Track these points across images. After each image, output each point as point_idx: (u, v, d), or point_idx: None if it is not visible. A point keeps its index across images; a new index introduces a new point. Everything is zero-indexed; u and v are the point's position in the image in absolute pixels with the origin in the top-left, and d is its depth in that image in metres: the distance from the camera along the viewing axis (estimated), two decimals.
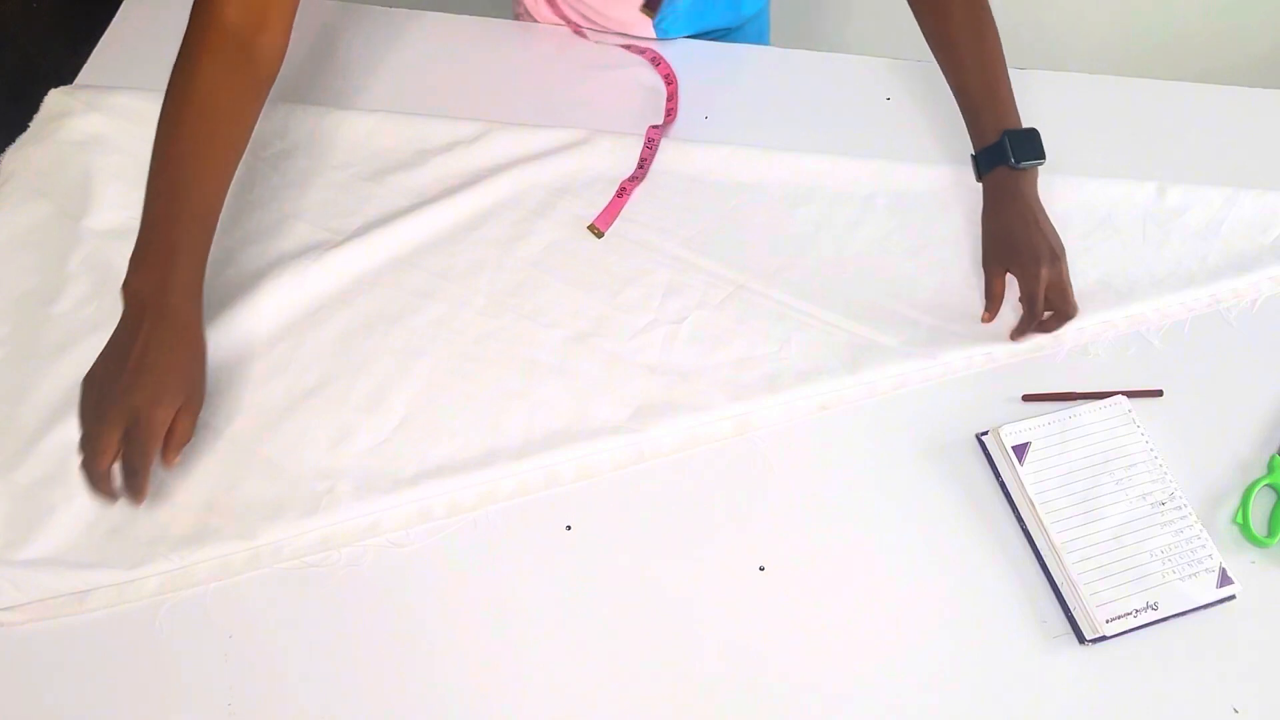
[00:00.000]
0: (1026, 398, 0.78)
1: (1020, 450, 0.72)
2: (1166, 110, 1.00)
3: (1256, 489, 0.72)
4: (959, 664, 0.65)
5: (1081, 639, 0.66)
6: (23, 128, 0.89)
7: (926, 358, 0.79)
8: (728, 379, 0.77)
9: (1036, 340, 0.81)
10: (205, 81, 0.70)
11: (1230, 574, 0.67)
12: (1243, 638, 0.67)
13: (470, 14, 1.02)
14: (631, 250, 0.85)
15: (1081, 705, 0.64)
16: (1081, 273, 0.83)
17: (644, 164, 0.90)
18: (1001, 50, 0.83)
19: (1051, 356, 0.81)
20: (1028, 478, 0.71)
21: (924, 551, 0.70)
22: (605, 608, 0.67)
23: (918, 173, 0.92)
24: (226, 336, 0.77)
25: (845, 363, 0.79)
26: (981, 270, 0.83)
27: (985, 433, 0.75)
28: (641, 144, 0.91)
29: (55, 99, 0.90)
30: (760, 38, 1.13)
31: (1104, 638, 0.65)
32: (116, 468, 0.64)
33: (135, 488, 0.64)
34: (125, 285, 0.67)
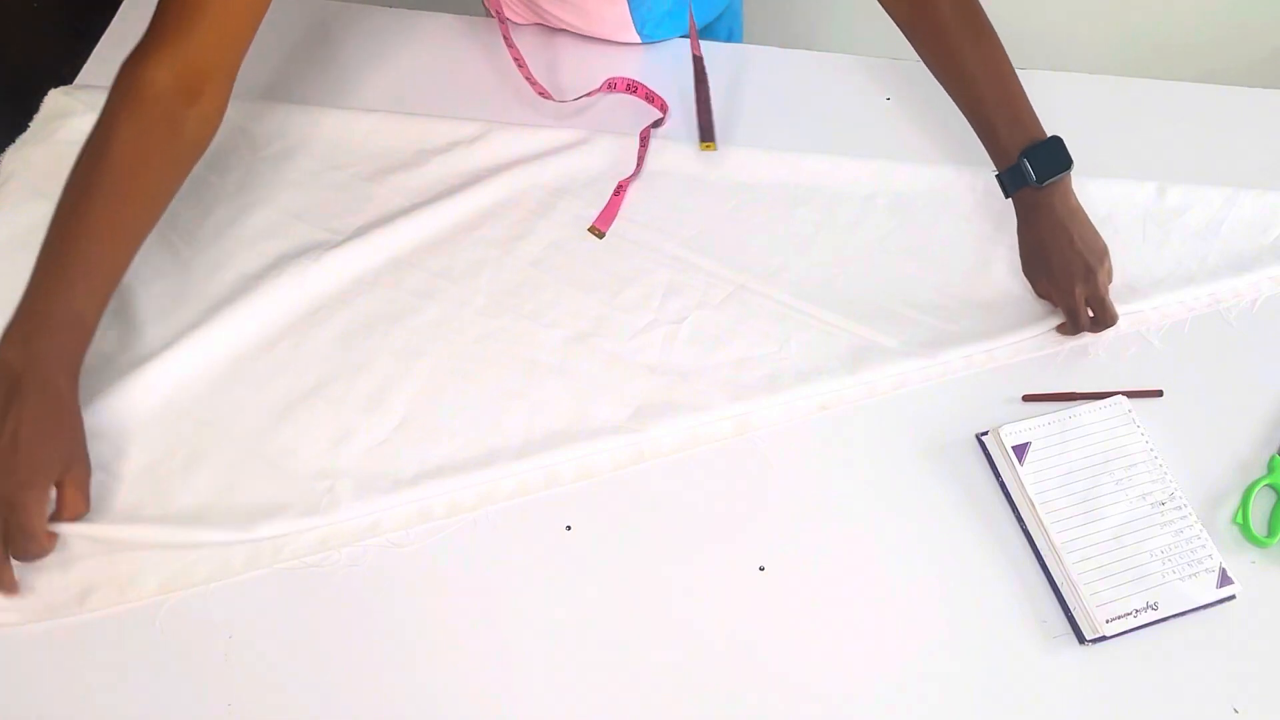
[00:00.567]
0: (1026, 398, 0.78)
1: (1020, 450, 0.72)
2: (1166, 110, 1.00)
3: (1256, 489, 0.72)
4: (959, 664, 0.65)
5: (1081, 639, 0.66)
6: (23, 128, 0.89)
7: (926, 357, 0.79)
8: (728, 379, 0.77)
9: (1036, 339, 0.81)
10: (122, 148, 0.66)
11: (1230, 574, 0.67)
12: (1243, 638, 0.67)
13: (470, 14, 1.02)
14: (631, 250, 0.85)
15: (1081, 705, 0.64)
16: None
17: (640, 163, 0.90)
18: (1009, 62, 0.80)
19: (1052, 356, 0.81)
20: (1028, 478, 0.71)
21: (924, 551, 0.70)
22: (605, 608, 0.67)
23: (918, 173, 0.92)
24: (226, 337, 0.77)
25: (845, 363, 0.79)
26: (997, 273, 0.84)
27: (985, 433, 0.75)
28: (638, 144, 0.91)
29: (55, 99, 0.90)
30: (731, 35, 1.12)
31: (1104, 638, 0.65)
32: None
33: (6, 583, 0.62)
34: None
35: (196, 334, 0.76)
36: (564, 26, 0.99)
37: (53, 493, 0.64)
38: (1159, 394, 0.78)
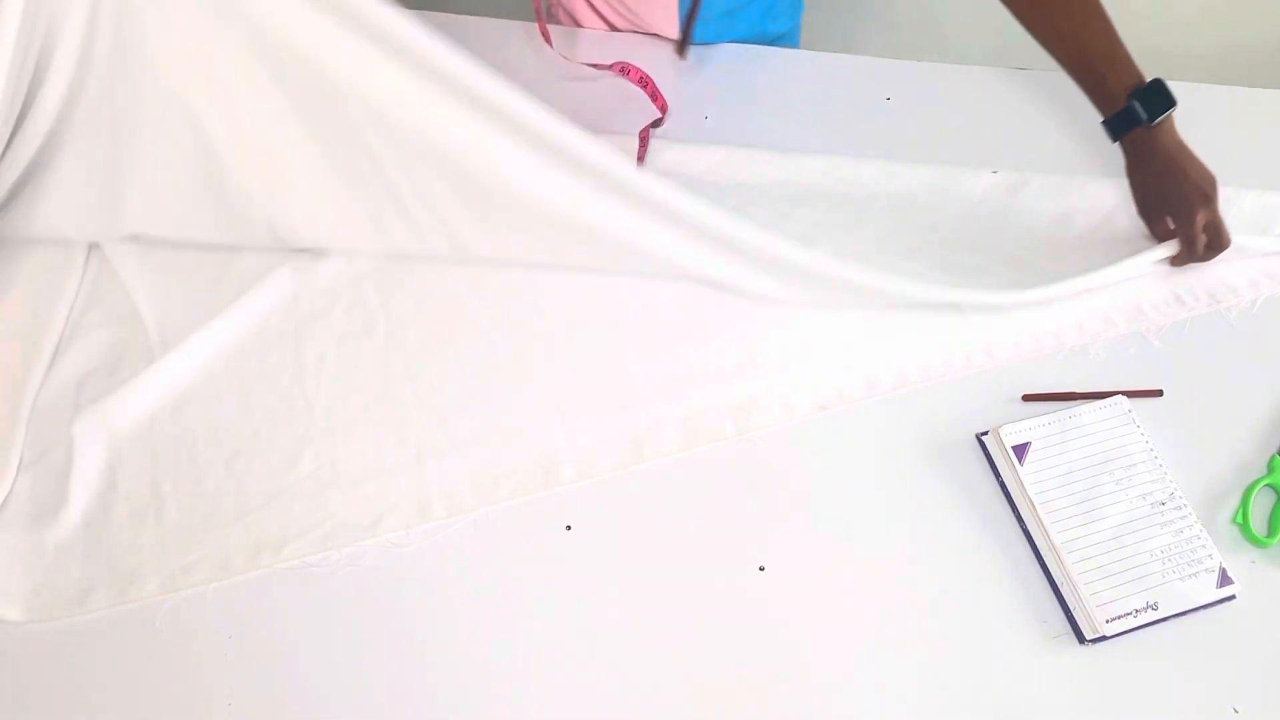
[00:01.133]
0: (1026, 398, 0.78)
1: (1020, 450, 0.72)
2: None
3: (1256, 489, 0.72)
4: (959, 664, 0.65)
5: (1081, 639, 0.66)
6: None
7: (927, 354, 0.79)
8: (726, 375, 0.78)
9: (1036, 339, 0.81)
10: None
11: (1230, 574, 0.67)
12: (1243, 638, 0.67)
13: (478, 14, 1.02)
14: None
15: (1081, 705, 0.64)
16: (1083, 272, 0.83)
17: (640, 162, 0.90)
18: (1105, 12, 0.82)
19: (1052, 356, 0.81)
20: (1028, 478, 0.71)
21: (924, 551, 0.70)
22: (605, 608, 0.67)
23: (917, 173, 0.92)
24: (227, 336, 0.77)
25: (845, 360, 0.79)
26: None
27: (985, 433, 0.75)
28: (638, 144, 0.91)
29: None
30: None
31: (1104, 638, 0.65)
32: None
33: None
34: None
35: (197, 336, 0.76)
36: (619, 23, 1.01)
37: None
38: (1159, 394, 0.78)
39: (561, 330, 0.80)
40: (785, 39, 1.10)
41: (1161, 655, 0.66)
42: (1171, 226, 0.83)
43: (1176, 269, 0.84)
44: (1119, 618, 0.65)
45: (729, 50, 1.02)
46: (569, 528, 0.70)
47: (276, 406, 0.74)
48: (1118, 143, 0.83)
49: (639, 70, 0.94)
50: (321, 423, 0.74)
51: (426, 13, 1.00)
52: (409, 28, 0.67)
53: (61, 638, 0.64)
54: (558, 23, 1.06)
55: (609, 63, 0.94)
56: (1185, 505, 0.70)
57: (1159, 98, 0.81)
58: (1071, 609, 0.67)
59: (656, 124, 0.93)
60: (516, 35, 1.01)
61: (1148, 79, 0.81)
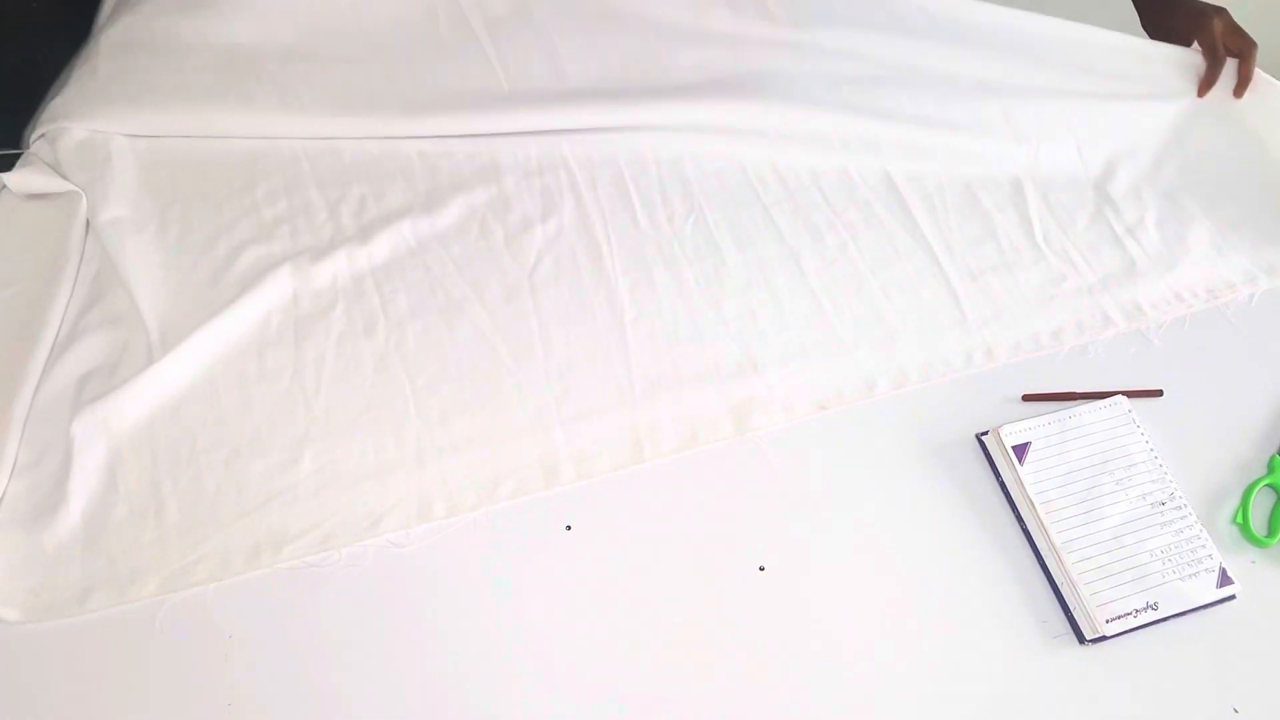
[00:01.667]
0: (1026, 398, 0.78)
1: (1020, 450, 0.72)
2: None
3: (1256, 489, 0.72)
4: (959, 664, 0.65)
5: (1081, 639, 0.66)
6: (23, 126, 0.89)
7: (927, 355, 0.79)
8: (726, 375, 0.78)
9: (1035, 339, 0.81)
10: None
11: (1230, 574, 0.67)
12: (1243, 638, 0.67)
13: None
14: (631, 245, 0.86)
15: (1081, 705, 0.64)
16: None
17: None
18: None
19: (1051, 356, 0.81)
20: (1028, 478, 0.71)
21: (924, 551, 0.70)
22: (605, 608, 0.67)
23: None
24: (227, 336, 0.78)
25: (845, 361, 0.79)
26: None
27: (985, 433, 0.75)
28: None
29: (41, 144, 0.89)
30: None
31: (1104, 638, 0.65)
32: None
33: None
34: None
35: (197, 336, 0.76)
36: None
37: None
38: (1159, 394, 0.78)
39: (561, 330, 0.80)
40: None
41: (1161, 655, 0.66)
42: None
43: (1170, 268, 0.85)
44: (1119, 618, 0.65)
45: None
46: (569, 528, 0.70)
47: (276, 406, 0.74)
48: None
49: None
50: (321, 423, 0.74)
51: None
52: None
53: (61, 637, 0.64)
54: None
55: None
56: (1185, 505, 0.70)
57: None
58: (1071, 609, 0.67)
59: None
60: None
61: None
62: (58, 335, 0.77)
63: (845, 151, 0.93)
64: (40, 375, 0.74)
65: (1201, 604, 0.66)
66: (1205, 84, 0.84)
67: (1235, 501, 0.73)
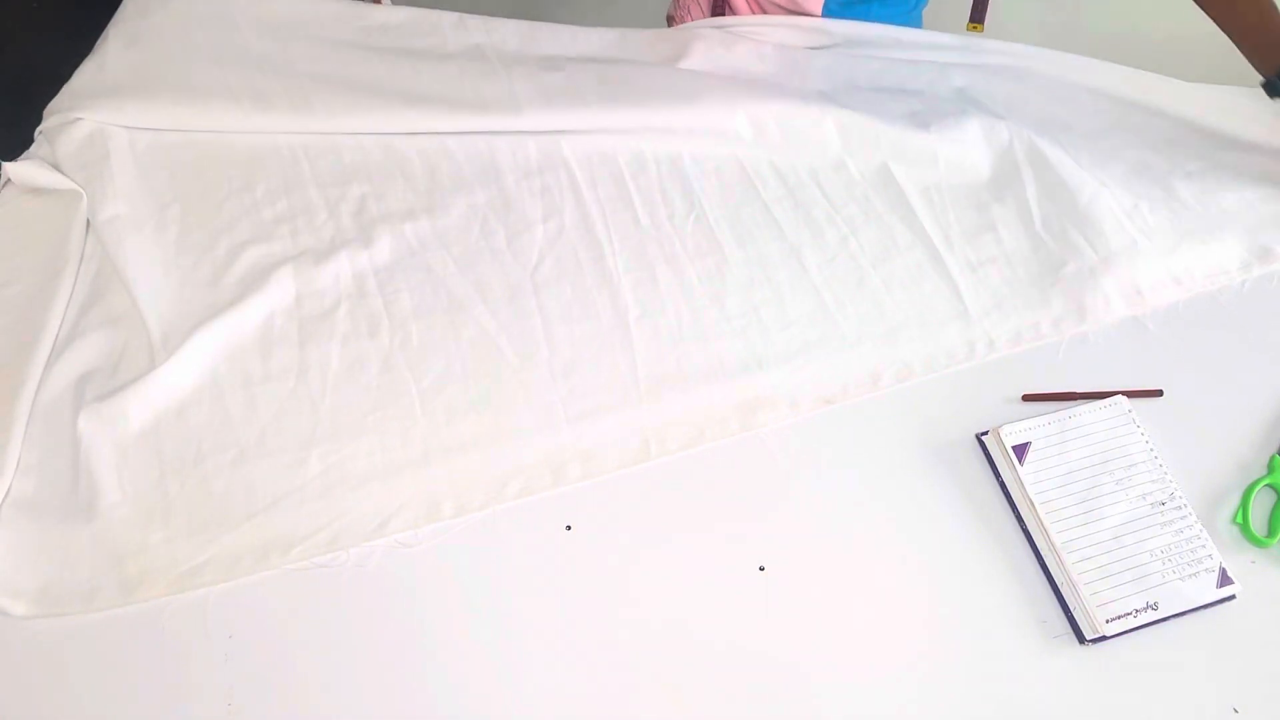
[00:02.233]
0: (1026, 398, 0.78)
1: (1020, 450, 0.72)
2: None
3: (1256, 489, 0.72)
4: (959, 664, 0.65)
5: (1081, 639, 0.66)
6: (23, 126, 0.89)
7: (930, 347, 0.79)
8: (731, 371, 0.78)
9: (1036, 329, 0.82)
10: None
11: (1230, 574, 0.67)
12: (1243, 638, 0.67)
13: None
14: (630, 245, 0.86)
15: (1081, 705, 0.64)
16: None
17: None
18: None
19: (1052, 355, 0.81)
20: (1028, 478, 0.71)
21: (924, 551, 0.70)
22: (605, 607, 0.67)
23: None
24: (230, 337, 0.78)
25: (849, 354, 0.79)
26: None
27: (985, 433, 0.75)
28: None
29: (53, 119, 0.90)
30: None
31: (1104, 638, 0.65)
32: None
33: None
34: None
35: (200, 338, 0.76)
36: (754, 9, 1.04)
37: None
38: (1159, 394, 0.78)
39: (565, 329, 0.80)
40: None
41: (1161, 655, 0.66)
42: None
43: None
44: (1119, 618, 0.65)
45: None
46: (569, 528, 0.70)
47: (282, 408, 0.74)
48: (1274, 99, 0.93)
49: None
50: (327, 423, 0.74)
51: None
52: None
53: (63, 635, 0.64)
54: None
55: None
56: (1185, 505, 0.70)
57: None
58: (1071, 609, 0.67)
59: None
60: None
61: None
62: (58, 335, 0.77)
63: (844, 148, 0.93)
64: (41, 375, 0.74)
65: (1201, 604, 0.67)
66: None
67: (1235, 501, 0.73)
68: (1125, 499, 0.71)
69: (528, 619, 0.66)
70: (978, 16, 0.95)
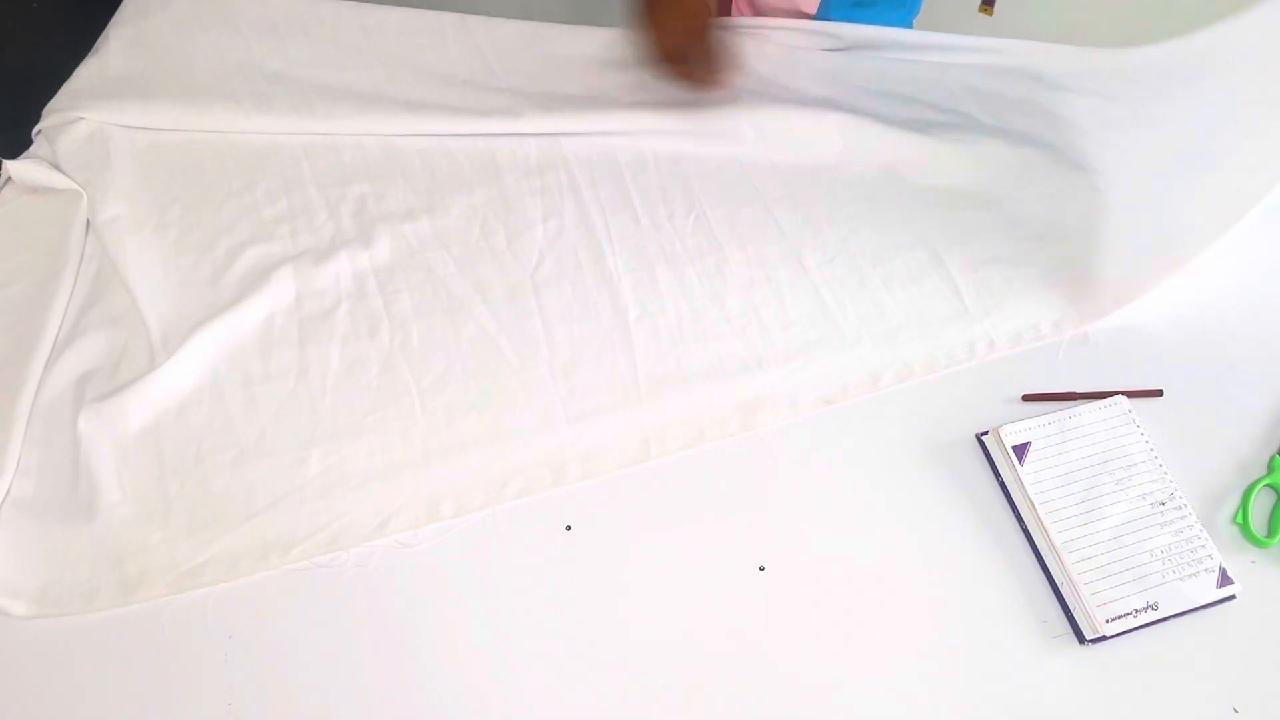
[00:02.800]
0: (1026, 398, 0.78)
1: (1020, 450, 0.72)
2: None
3: (1256, 489, 0.72)
4: (958, 664, 0.65)
5: (1081, 639, 0.66)
6: (23, 126, 0.89)
7: (930, 346, 0.79)
8: (730, 371, 0.78)
9: (1037, 330, 0.82)
10: None
11: (1230, 574, 0.67)
12: (1243, 638, 0.67)
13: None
14: (628, 244, 0.87)
15: (1081, 705, 0.64)
16: None
17: None
18: None
19: (1052, 354, 0.81)
20: (1028, 478, 0.71)
21: (924, 551, 0.70)
22: (605, 608, 0.67)
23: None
24: (230, 337, 0.78)
25: (849, 354, 0.79)
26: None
27: (985, 433, 0.75)
28: None
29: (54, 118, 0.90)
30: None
31: (1104, 638, 0.65)
32: None
33: None
34: None
35: (200, 338, 0.76)
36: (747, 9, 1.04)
37: None
38: (1159, 394, 0.78)
39: (565, 329, 0.80)
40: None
41: (1161, 655, 0.66)
42: None
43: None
44: (1119, 618, 0.65)
45: None
46: (569, 527, 0.70)
47: (282, 408, 0.74)
48: None
49: None
50: (327, 423, 0.74)
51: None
52: None
53: (63, 636, 0.64)
54: None
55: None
56: (1185, 505, 0.70)
57: None
58: (1071, 609, 0.67)
59: None
60: None
61: None
62: (58, 335, 0.77)
63: (844, 148, 0.93)
64: (41, 375, 0.74)
65: (1201, 604, 0.67)
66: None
67: (1235, 501, 0.73)
68: (1125, 499, 0.71)
69: (528, 619, 0.66)
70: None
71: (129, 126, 0.91)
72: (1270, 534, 0.71)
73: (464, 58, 0.99)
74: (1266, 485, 0.73)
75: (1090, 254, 0.85)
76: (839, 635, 0.66)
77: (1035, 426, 0.74)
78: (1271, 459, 0.75)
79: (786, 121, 0.94)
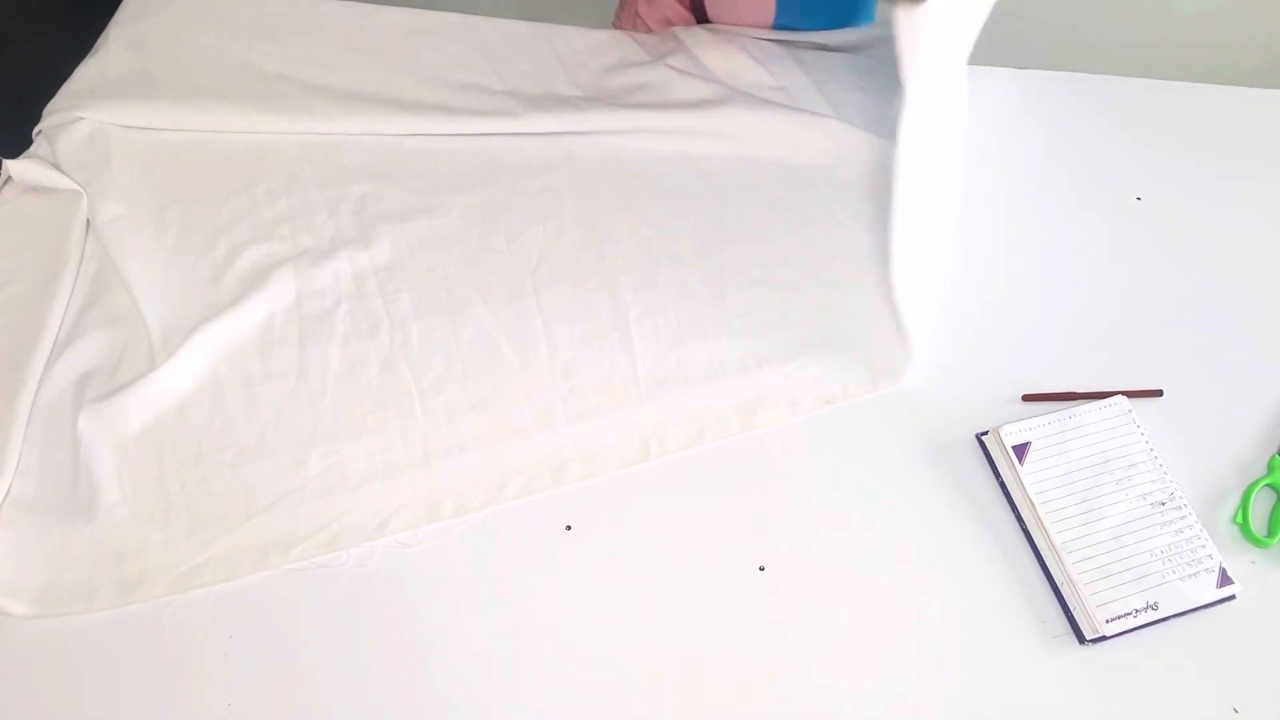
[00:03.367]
0: (1026, 398, 0.78)
1: (1020, 450, 0.72)
2: (1165, 110, 1.00)
3: (1256, 489, 0.72)
4: (959, 664, 0.65)
5: (1081, 639, 0.66)
6: (23, 127, 0.89)
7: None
8: (731, 372, 0.78)
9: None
10: None
11: (1230, 574, 0.67)
12: (1243, 638, 0.67)
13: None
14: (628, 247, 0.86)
15: (1081, 705, 0.64)
16: None
17: None
18: None
19: (1053, 350, 0.81)
20: (1028, 478, 0.71)
21: (924, 551, 0.70)
22: (605, 608, 0.67)
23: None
24: (230, 337, 0.78)
25: (849, 355, 0.79)
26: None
27: (985, 433, 0.75)
28: None
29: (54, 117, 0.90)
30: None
31: (1104, 638, 0.65)
32: None
33: None
34: None
35: (200, 338, 0.76)
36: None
37: None
38: (1159, 394, 0.78)
39: (565, 329, 0.80)
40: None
41: (1161, 655, 0.66)
42: None
43: None
44: (1119, 618, 0.65)
45: None
46: (569, 528, 0.70)
47: (282, 408, 0.74)
48: None
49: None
50: (327, 424, 0.74)
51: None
52: None
53: (62, 636, 0.64)
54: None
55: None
56: (1185, 505, 0.70)
57: None
58: (1071, 609, 0.67)
59: None
60: None
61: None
62: (58, 335, 0.77)
63: (838, 153, 0.93)
64: (41, 375, 0.74)
65: (1201, 604, 0.67)
66: None
67: (1235, 501, 0.73)
68: (1125, 499, 0.71)
69: (528, 619, 0.66)
70: None
71: (129, 126, 0.91)
72: (1270, 534, 0.71)
73: (464, 58, 0.99)
74: (1266, 485, 0.73)
75: None
76: (839, 635, 0.66)
77: (1035, 426, 0.74)
78: (1271, 459, 0.75)
79: (784, 120, 0.94)
